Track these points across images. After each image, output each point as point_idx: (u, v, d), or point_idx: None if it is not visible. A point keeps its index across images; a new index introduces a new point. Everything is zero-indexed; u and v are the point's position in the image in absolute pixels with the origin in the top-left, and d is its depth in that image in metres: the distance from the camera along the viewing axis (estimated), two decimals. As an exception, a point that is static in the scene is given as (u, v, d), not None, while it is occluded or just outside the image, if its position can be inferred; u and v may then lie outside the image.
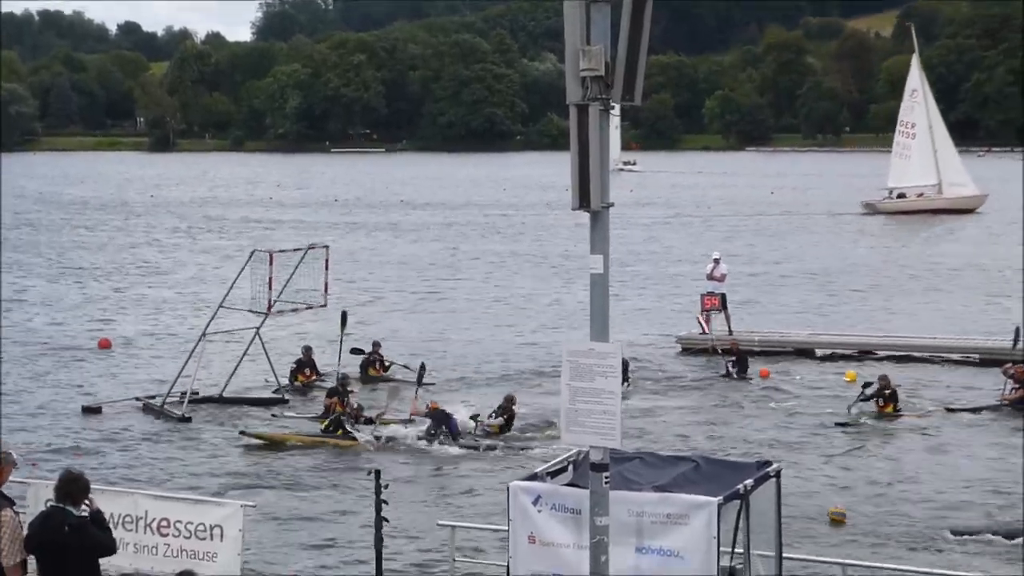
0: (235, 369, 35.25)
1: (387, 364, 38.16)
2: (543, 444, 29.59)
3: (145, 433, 31.68)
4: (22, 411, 33.61)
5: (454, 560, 17.97)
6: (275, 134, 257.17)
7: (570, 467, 15.40)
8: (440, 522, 20.34)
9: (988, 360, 39.12)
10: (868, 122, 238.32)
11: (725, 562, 14.48)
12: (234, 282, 34.96)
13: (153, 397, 34.41)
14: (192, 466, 28.77)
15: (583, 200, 12.08)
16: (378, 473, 15.56)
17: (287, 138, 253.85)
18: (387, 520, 15.52)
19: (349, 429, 30.52)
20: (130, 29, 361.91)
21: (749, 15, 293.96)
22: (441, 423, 30.26)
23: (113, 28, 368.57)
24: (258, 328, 34.89)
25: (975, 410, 33.55)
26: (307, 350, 37.47)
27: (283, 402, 34.31)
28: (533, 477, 15.43)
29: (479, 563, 19.83)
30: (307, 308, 35.15)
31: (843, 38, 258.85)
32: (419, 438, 30.15)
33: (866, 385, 33.19)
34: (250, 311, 34.71)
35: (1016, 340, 37.33)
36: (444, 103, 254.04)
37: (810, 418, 32.88)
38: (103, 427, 32.30)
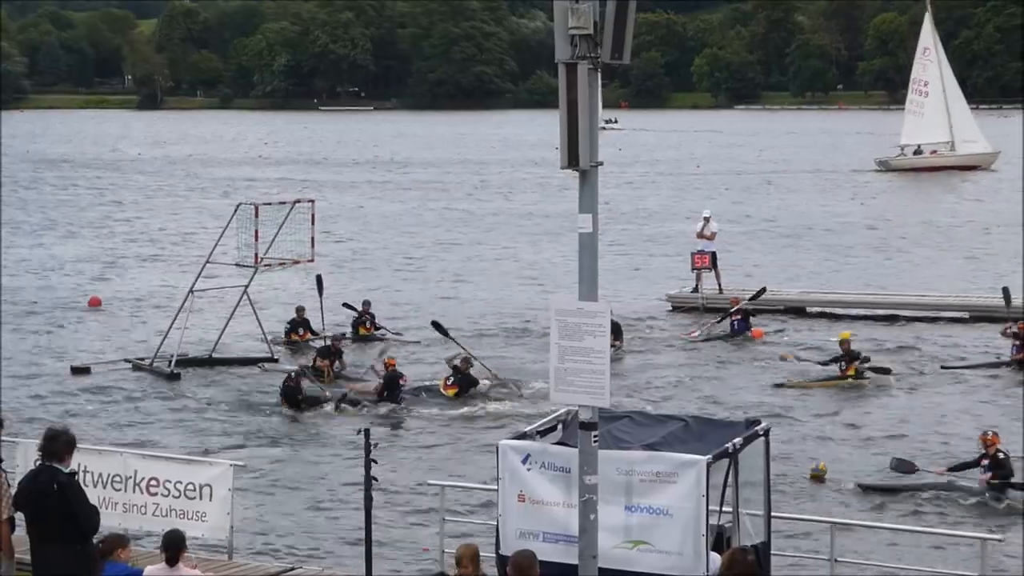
0: (224, 327, 35.19)
1: (378, 324, 38.12)
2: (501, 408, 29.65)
3: (134, 392, 31.65)
4: (10, 371, 33.55)
5: (444, 519, 17.99)
6: (263, 92, 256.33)
7: (559, 426, 15.43)
8: (430, 481, 20.37)
9: (978, 317, 39.19)
10: (857, 80, 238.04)
11: (714, 521, 14.53)
12: (220, 237, 34.80)
13: (143, 359, 34.36)
14: (181, 425, 28.77)
15: (571, 159, 12.06)
16: (367, 432, 15.53)
17: (275, 96, 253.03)
18: (376, 479, 15.52)
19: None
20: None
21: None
22: (389, 386, 30.07)
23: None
24: (246, 286, 34.81)
25: (972, 367, 33.57)
26: (300, 309, 37.42)
27: (272, 361, 34.27)
28: (523, 436, 15.46)
29: (469, 522, 19.88)
30: (294, 263, 35.11)
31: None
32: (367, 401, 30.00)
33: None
34: (237, 264, 34.62)
35: (1007, 299, 37.44)
36: (433, 61, 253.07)
37: (800, 377, 32.86)
38: (92, 386, 32.27)
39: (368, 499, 15.26)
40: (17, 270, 51.55)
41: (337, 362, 32.70)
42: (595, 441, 12.51)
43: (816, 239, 61.07)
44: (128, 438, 27.13)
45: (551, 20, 12.17)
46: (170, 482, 18.48)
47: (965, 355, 35.09)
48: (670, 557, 14.09)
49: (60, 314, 42.22)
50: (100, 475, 18.71)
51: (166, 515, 18.24)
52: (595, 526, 12.49)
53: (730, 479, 14.69)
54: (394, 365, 30.69)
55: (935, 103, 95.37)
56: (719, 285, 42.28)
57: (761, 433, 15.19)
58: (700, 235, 42.99)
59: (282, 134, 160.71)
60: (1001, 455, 23.08)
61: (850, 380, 31.85)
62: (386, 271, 51.95)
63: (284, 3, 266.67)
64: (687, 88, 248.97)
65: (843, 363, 32.22)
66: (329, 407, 29.67)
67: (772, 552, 15.68)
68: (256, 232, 33.24)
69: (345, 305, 38.31)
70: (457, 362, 31.25)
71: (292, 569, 18.37)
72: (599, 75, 12.17)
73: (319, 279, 36.77)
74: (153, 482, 18.54)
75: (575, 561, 12.81)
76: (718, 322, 38.09)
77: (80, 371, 33.63)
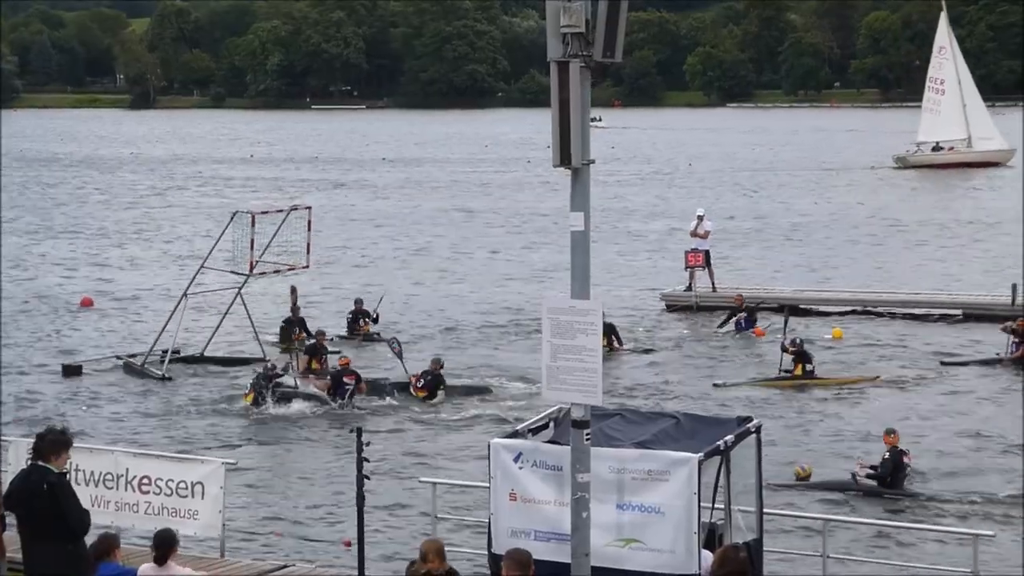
0: (216, 328, 35.17)
1: (375, 315, 37.96)
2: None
3: (125, 392, 31.66)
4: (2, 370, 33.51)
5: (436, 517, 17.99)
6: (256, 91, 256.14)
7: (551, 424, 15.43)
8: (422, 479, 20.36)
9: (971, 315, 39.22)
10: (850, 78, 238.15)
11: (706, 518, 14.54)
12: (216, 243, 34.81)
13: (134, 356, 34.35)
14: (173, 424, 28.76)
15: (564, 157, 12.07)
16: (359, 431, 15.55)
17: (268, 95, 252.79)
18: (368, 478, 15.52)
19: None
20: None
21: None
22: (336, 384, 29.93)
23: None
24: (240, 288, 34.78)
25: (970, 363, 33.62)
26: (295, 309, 37.38)
27: (263, 361, 34.17)
28: (514, 434, 15.46)
29: (461, 520, 19.87)
30: (289, 269, 35.07)
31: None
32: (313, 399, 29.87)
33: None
34: (231, 272, 34.59)
35: (1014, 296, 37.46)
36: (425, 60, 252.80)
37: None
38: (83, 386, 32.26)
39: (360, 498, 15.27)
40: (10, 269, 51.47)
41: (325, 359, 32.69)
42: (588, 439, 12.51)
43: (819, 235, 61.08)
44: (120, 437, 27.12)
45: (543, 19, 12.17)
46: (162, 480, 18.47)
47: (959, 352, 35.06)
48: (662, 555, 14.10)
49: (52, 314, 42.18)
50: (92, 473, 18.70)
51: (158, 513, 18.23)
52: (587, 524, 12.49)
53: (722, 476, 14.71)
54: (348, 364, 30.50)
55: (952, 100, 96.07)
56: (712, 283, 42.30)
57: (753, 430, 15.21)
58: (694, 233, 43.01)
59: (274, 133, 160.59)
60: (887, 455, 23.22)
61: (798, 381, 31.63)
62: (378, 269, 51.92)
63: (276, 2, 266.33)
64: (680, 87, 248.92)
65: (793, 361, 32.04)
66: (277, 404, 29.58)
67: (764, 549, 15.70)
68: (252, 241, 33.15)
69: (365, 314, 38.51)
70: (428, 365, 31.23)
71: (284, 567, 18.35)
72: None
73: (293, 291, 36.94)
74: (145, 480, 18.53)
75: (567, 559, 12.82)
76: (725, 321, 38.00)
77: (72, 370, 33.57)
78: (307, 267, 35.29)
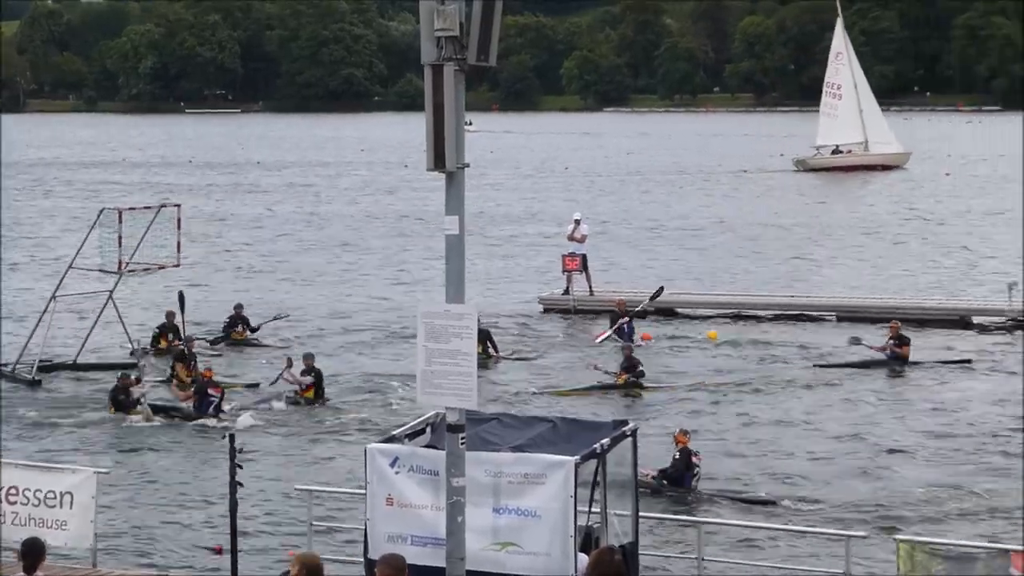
0: (88, 333, 34.65)
1: (254, 327, 37.67)
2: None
3: (-7, 399, 31.05)
4: None
5: (311, 524, 17.87)
6: (128, 95, 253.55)
7: (428, 429, 15.38)
8: (297, 486, 20.22)
9: (845, 318, 39.67)
10: (724, 82, 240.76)
11: (582, 521, 14.56)
12: (84, 242, 34.21)
13: (4, 364, 33.71)
14: (43, 432, 28.26)
15: (438, 161, 12.03)
16: (232, 437, 15.42)
17: (141, 99, 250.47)
18: (242, 484, 15.37)
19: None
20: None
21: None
22: (202, 397, 29.47)
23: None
24: (111, 292, 34.29)
25: (845, 365, 33.95)
26: (171, 315, 36.81)
27: (134, 367, 33.71)
28: (391, 439, 15.40)
29: (337, 526, 19.76)
30: (160, 268, 34.65)
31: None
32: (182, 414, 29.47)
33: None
34: (101, 271, 34.09)
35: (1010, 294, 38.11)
36: (301, 63, 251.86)
37: (674, 378, 33.01)
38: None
39: (233, 504, 15.12)
40: None
41: (194, 365, 32.34)
42: (463, 443, 12.47)
43: (699, 240, 61.58)
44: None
45: (420, 22, 12.13)
46: (29, 490, 18.11)
47: (833, 354, 35.41)
48: (538, 558, 14.11)
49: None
50: (-42, 484, 18.33)
51: (25, 524, 17.85)
52: (463, 528, 12.45)
53: (598, 480, 14.75)
54: (210, 376, 30.12)
55: (849, 105, 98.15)
56: (590, 287, 42.49)
57: (628, 434, 15.26)
58: (571, 237, 43.15)
59: (147, 137, 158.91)
60: (678, 455, 23.58)
61: (621, 388, 31.57)
62: (252, 274, 51.56)
63: (150, 4, 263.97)
64: (557, 91, 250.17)
65: (619, 369, 32.06)
66: (141, 415, 29.17)
67: (640, 552, 15.76)
68: (120, 237, 32.68)
69: (276, 318, 38.13)
70: (302, 364, 30.95)
71: (157, 576, 18.16)
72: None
73: (181, 296, 36.06)
74: (12, 491, 18.16)
75: (443, 564, 12.76)
76: (614, 327, 37.87)
77: (-62, 379, 32.88)
78: (178, 266, 34.95)
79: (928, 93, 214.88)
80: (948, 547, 15.08)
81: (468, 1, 11.84)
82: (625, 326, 37.58)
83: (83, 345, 34.47)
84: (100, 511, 18.62)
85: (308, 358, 31.02)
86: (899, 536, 16.00)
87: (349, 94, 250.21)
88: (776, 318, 40.54)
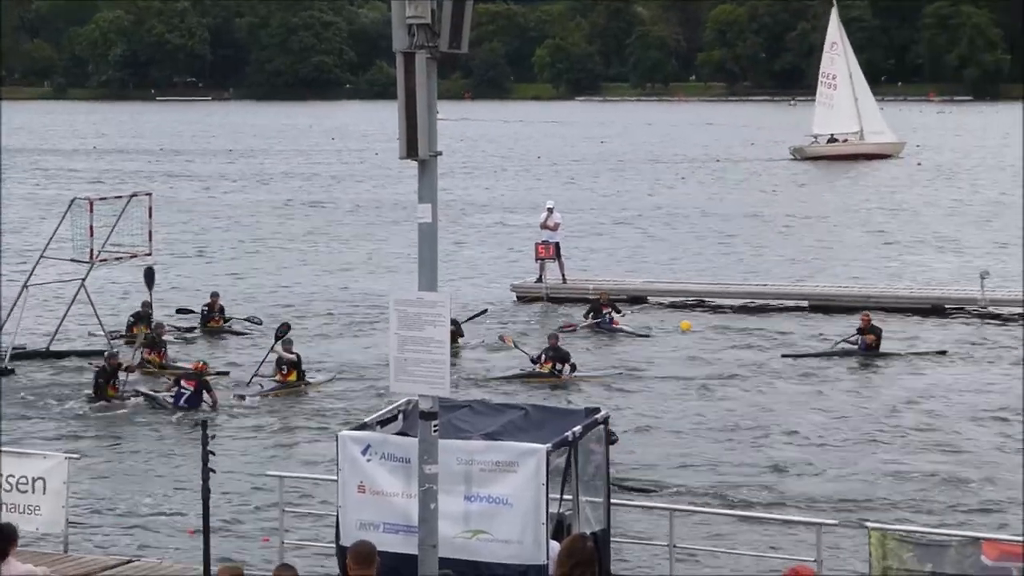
0: (61, 321, 34.55)
1: (228, 317, 37.61)
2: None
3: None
4: None
5: (283, 510, 17.89)
6: (98, 82, 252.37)
7: (400, 416, 15.41)
8: (269, 472, 20.24)
9: (817, 307, 39.71)
10: (696, 70, 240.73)
11: (554, 509, 14.60)
12: (55, 231, 34.16)
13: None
14: (16, 418, 28.20)
15: (410, 149, 12.05)
16: (204, 423, 15.43)
17: (111, 86, 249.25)
18: (214, 471, 15.37)
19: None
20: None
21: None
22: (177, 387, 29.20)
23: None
24: (83, 279, 34.22)
25: (813, 356, 33.92)
26: (145, 304, 36.71)
27: (105, 354, 33.58)
28: (363, 426, 15.43)
29: (308, 513, 19.79)
30: (132, 256, 34.60)
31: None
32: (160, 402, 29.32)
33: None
34: (72, 260, 34.03)
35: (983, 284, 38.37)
36: (271, 50, 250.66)
37: (646, 366, 33.05)
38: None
39: (206, 490, 15.12)
40: None
41: (165, 352, 32.33)
42: (436, 431, 12.50)
43: (672, 227, 61.63)
44: (-41, 433, 26.54)
45: (390, 10, 12.12)
46: (1, 476, 18.10)
47: (804, 344, 35.47)
48: (510, 546, 14.16)
49: None
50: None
51: (-4, 510, 17.88)
52: (435, 516, 12.48)
53: (570, 467, 14.78)
54: (203, 368, 29.85)
55: (844, 94, 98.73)
56: (563, 275, 42.54)
57: (600, 421, 15.31)
58: (544, 225, 43.16)
59: (117, 124, 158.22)
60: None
61: (546, 377, 31.34)
62: (225, 262, 51.48)
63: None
64: (529, 79, 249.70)
65: (543, 357, 31.68)
66: (131, 403, 29.15)
67: (612, 539, 15.81)
68: (91, 227, 32.64)
69: (179, 311, 37.91)
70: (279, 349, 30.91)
71: (129, 561, 18.15)
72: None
73: (148, 273, 35.93)
74: (-17, 477, 18.16)
75: (415, 551, 12.79)
76: (590, 316, 37.72)
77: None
78: (149, 254, 34.93)
79: (899, 83, 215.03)
80: (919, 535, 15.16)
81: (440, -11, 11.86)
82: (612, 314, 37.54)
83: (55, 333, 34.38)
84: (72, 497, 18.62)
85: (287, 343, 30.98)
86: (870, 524, 16.05)
87: (319, 82, 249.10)
88: (744, 308, 40.53)
